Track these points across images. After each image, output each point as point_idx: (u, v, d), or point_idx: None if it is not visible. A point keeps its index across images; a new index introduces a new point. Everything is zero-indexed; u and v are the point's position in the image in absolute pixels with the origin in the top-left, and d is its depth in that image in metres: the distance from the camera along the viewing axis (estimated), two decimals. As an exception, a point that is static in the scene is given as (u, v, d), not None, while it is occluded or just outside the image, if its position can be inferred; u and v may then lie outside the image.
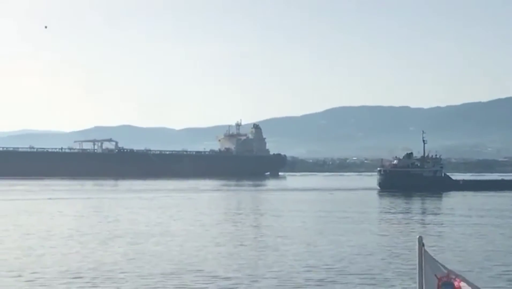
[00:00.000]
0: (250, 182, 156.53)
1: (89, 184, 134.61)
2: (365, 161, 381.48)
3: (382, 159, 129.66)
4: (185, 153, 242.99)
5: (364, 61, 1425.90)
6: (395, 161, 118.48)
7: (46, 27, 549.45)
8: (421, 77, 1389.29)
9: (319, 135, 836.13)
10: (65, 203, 72.68)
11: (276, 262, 29.92)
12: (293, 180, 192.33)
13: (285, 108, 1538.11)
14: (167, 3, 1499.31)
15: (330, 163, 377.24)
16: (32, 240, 37.80)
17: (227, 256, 32.03)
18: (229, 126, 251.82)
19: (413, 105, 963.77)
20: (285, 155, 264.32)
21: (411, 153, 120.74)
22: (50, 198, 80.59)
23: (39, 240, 37.53)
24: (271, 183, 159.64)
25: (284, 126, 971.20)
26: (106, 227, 45.72)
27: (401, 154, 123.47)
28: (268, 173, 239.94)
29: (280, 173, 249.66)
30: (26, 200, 76.90)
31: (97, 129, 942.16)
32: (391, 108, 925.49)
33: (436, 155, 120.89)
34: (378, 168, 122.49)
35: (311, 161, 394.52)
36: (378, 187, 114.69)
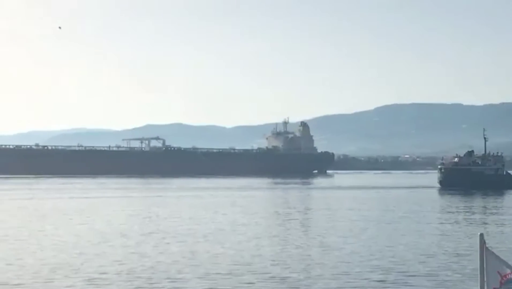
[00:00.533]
0: (298, 180, 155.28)
1: (139, 183, 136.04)
2: (417, 159, 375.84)
3: (443, 157, 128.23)
4: (232, 151, 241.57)
5: (416, 58, 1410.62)
6: (456, 159, 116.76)
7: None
8: (474, 74, 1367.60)
9: (371, 133, 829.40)
10: (120, 202, 72.34)
11: (334, 262, 29.05)
12: (341, 178, 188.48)
13: (336, 106, 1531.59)
14: (215, 4, 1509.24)
15: (382, 161, 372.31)
16: (89, 238, 37.30)
17: (284, 256, 31.13)
18: (277, 124, 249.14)
19: (466, 102, 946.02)
20: (333, 153, 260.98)
21: (472, 151, 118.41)
22: (105, 196, 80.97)
23: (96, 239, 37.04)
24: (321, 181, 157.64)
25: (335, 123, 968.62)
26: (162, 226, 45.15)
27: (459, 152, 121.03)
28: (316, 171, 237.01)
29: (328, 171, 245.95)
30: (82, 198, 77.05)
31: (148, 127, 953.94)
32: (443, 105, 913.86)
33: (497, 153, 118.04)
34: (439, 166, 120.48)
35: (363, 159, 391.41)
36: (439, 185, 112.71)
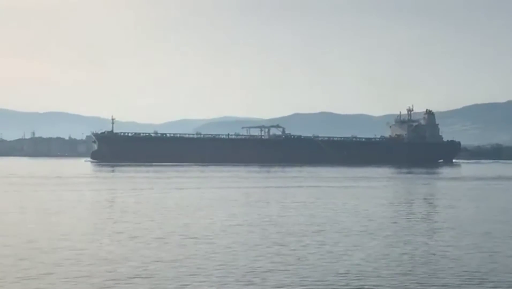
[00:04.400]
0: (425, 170, 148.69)
1: (273, 171, 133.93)
2: None
3: None
4: (354, 139, 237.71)
5: None
6: None
7: None
8: None
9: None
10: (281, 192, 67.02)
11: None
12: (469, 168, 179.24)
13: (488, 94, 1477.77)
14: None
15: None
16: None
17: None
18: (400, 112, 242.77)
19: None
20: (459, 142, 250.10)
21: None
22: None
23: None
24: (449, 172, 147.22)
25: (487, 112, 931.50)
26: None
27: None
28: (441, 160, 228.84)
29: (453, 160, 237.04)
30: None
31: (297, 116, 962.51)
32: None
33: None
34: None
35: None
36: None
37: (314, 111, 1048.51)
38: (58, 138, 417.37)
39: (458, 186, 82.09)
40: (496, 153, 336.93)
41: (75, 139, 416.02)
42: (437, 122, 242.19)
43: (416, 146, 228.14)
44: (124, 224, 35.57)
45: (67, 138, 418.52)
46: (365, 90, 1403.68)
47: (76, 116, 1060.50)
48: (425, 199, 60.16)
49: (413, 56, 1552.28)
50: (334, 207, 47.91)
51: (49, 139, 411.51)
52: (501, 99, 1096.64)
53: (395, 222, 38.71)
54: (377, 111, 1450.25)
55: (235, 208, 46.41)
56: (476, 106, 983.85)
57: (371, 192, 67.59)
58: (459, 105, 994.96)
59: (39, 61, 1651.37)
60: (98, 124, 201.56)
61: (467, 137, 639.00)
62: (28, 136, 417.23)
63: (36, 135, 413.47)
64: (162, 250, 26.65)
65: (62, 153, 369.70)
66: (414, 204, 53.10)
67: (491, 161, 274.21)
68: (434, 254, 26.41)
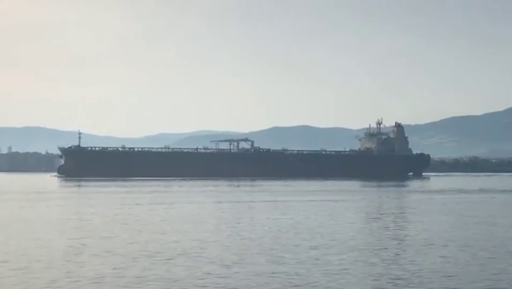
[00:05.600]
0: (394, 183, 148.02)
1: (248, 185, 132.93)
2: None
3: None
4: (323, 153, 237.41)
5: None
6: None
7: None
8: None
9: (502, 134, 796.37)
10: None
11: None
12: (441, 180, 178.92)
13: (465, 107, 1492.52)
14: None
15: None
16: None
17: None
18: (370, 125, 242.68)
19: None
20: (428, 155, 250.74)
21: None
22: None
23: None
24: (425, 185, 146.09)
25: (464, 125, 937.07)
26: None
27: None
28: (411, 173, 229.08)
29: (423, 174, 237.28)
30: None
31: (276, 129, 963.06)
32: None
33: None
34: None
35: (494, 161, 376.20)
36: None
37: (293, 125, 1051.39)
38: (35, 153, 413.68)
39: (423, 199, 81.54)
40: (473, 166, 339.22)
41: (52, 154, 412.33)
42: (407, 135, 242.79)
43: (385, 159, 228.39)
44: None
45: (44, 153, 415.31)
46: (344, 104, 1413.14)
47: (54, 130, 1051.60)
48: (393, 213, 58.86)
49: (391, 70, 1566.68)
50: (306, 223, 46.79)
51: (26, 154, 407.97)
52: (478, 112, 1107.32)
53: (366, 238, 38.24)
54: (355, 124, 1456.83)
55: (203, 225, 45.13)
56: (453, 119, 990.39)
57: (341, 206, 66.61)
58: (436, 118, 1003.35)
59: (16, 75, 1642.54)
60: (75, 139, 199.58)
61: (445, 150, 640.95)
62: (4, 151, 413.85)
63: (13, 150, 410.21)
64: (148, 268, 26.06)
65: (39, 168, 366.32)
66: (384, 219, 52.05)
67: (462, 174, 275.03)
68: (431, 271, 26.10)
